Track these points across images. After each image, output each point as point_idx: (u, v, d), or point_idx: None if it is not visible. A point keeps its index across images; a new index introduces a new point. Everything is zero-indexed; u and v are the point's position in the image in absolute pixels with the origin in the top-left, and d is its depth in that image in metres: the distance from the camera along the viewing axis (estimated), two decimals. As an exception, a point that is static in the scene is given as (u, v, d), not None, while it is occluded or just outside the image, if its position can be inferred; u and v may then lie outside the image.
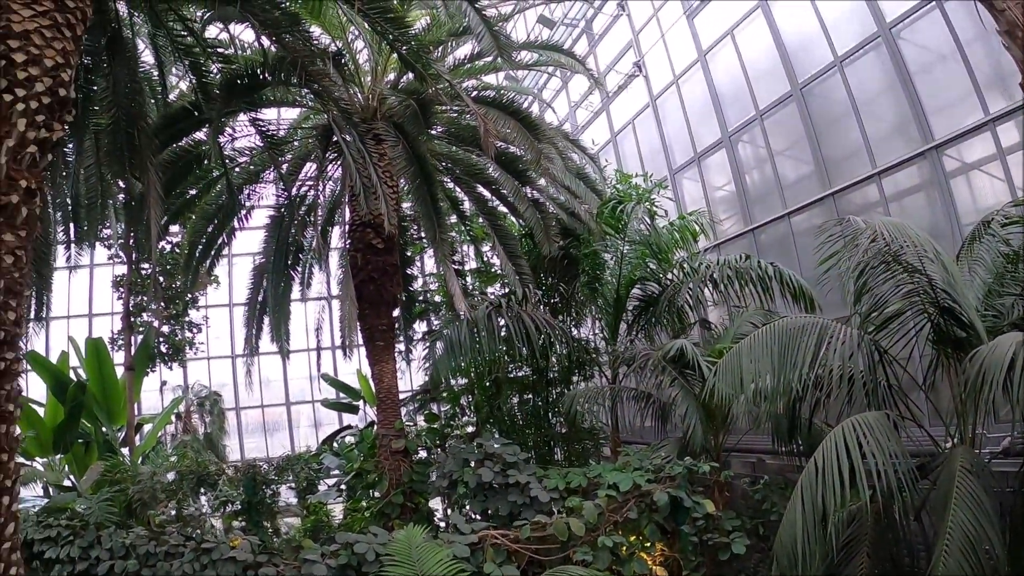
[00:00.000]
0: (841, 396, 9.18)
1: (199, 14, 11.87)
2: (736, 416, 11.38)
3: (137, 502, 12.32)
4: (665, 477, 10.49)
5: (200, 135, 13.88)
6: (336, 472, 16.67)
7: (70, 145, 11.92)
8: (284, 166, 15.45)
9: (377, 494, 13.83)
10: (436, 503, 13.89)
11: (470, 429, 15.95)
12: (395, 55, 13.25)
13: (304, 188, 16.60)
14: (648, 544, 10.28)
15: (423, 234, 18.26)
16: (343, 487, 15.56)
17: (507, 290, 16.47)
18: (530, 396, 16.42)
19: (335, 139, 13.09)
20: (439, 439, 14.81)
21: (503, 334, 13.76)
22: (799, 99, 15.24)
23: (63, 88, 7.24)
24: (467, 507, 11.62)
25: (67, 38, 7.24)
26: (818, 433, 10.06)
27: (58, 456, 16.10)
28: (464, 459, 11.84)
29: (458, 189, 17.08)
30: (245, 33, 12.88)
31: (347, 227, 15.18)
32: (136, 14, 11.46)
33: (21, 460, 7.29)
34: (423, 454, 14.53)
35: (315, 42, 11.58)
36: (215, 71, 11.97)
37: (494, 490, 11.28)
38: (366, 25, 12.10)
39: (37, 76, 6.95)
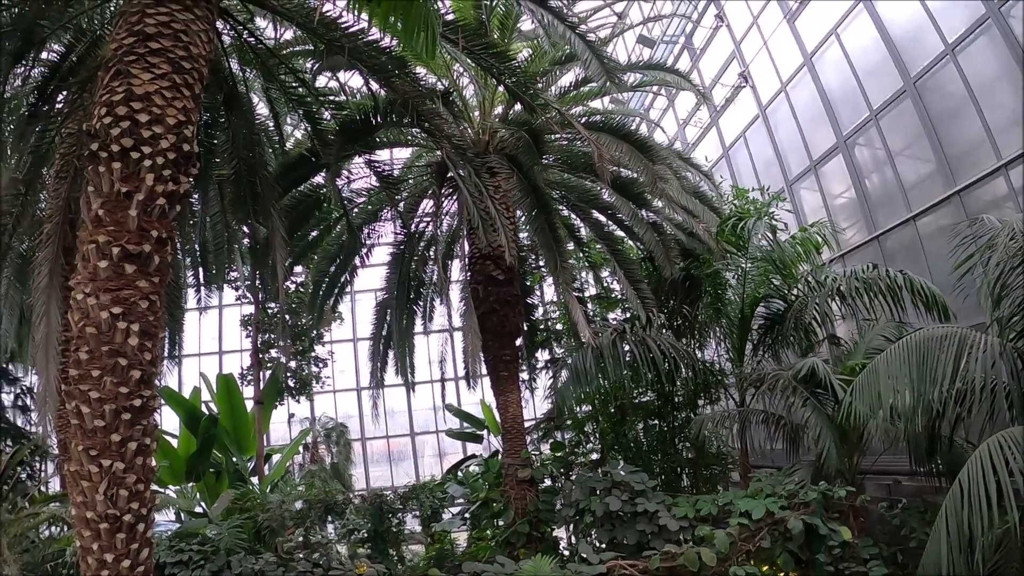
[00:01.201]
0: (982, 410, 8.60)
1: (308, 65, 12.33)
2: (871, 436, 10.83)
3: (266, 529, 12.74)
4: (799, 503, 10.07)
5: (318, 179, 14.40)
6: (460, 501, 16.78)
7: (196, 195, 12.53)
8: (401, 204, 15.80)
9: (502, 523, 13.81)
10: (561, 532, 13.76)
11: (595, 456, 15.78)
12: (501, 88, 13.47)
13: (422, 224, 16.93)
14: (782, 574, 9.87)
15: (541, 263, 18.35)
16: (467, 516, 15.62)
17: (628, 315, 16.32)
18: (656, 421, 16.13)
19: (450, 175, 13.31)
20: (564, 467, 14.71)
21: (627, 359, 13.56)
22: (913, 94, 14.46)
23: (186, 143, 7.66)
24: (594, 536, 11.46)
25: (186, 97, 7.66)
26: (959, 452, 9.51)
27: (190, 484, 16.90)
28: (591, 487, 11.68)
29: (573, 216, 17.05)
30: (353, 80, 13.27)
31: (466, 260, 15.40)
32: (248, 70, 12.05)
33: (155, 488, 7.65)
34: (548, 482, 14.45)
35: (422, 83, 11.81)
36: (328, 117, 12.42)
37: (621, 519, 11.10)
38: (470, 61, 12.28)
39: (161, 134, 7.38)
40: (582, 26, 11.65)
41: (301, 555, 11.99)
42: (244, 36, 11.02)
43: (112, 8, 10.63)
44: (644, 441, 16.25)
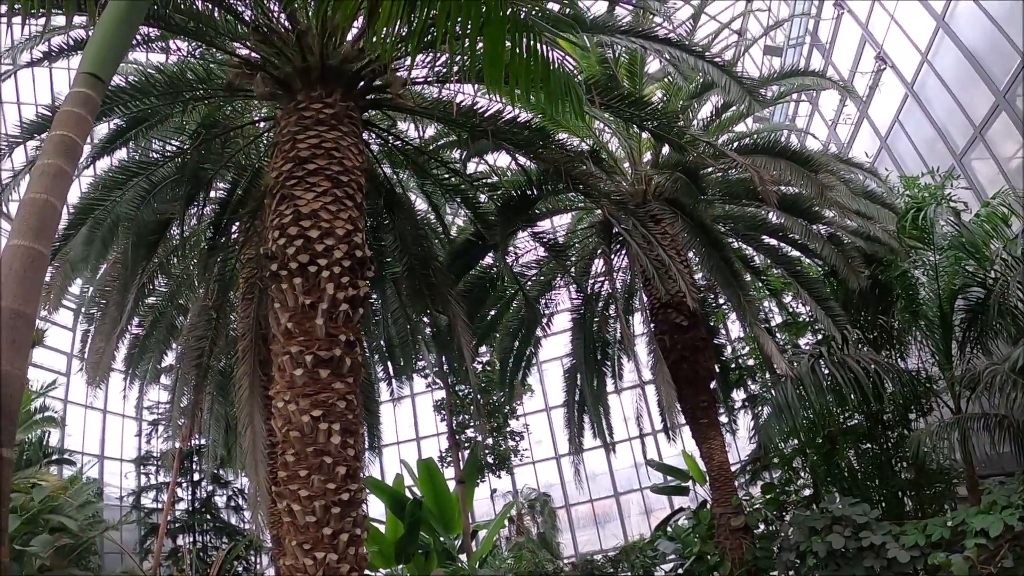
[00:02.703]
0: None
1: (456, 154, 12.87)
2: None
3: (479, 603, 12.87)
4: (1040, 511, 9.11)
5: (487, 260, 14.93)
6: (672, 557, 16.36)
7: (375, 295, 13.21)
8: (572, 269, 16.05)
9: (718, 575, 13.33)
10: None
11: (807, 492, 15.03)
12: (645, 134, 13.51)
13: (596, 285, 17.03)
14: (1030, 596, 8.91)
15: (721, 301, 17.99)
16: (680, 572, 15.17)
17: (820, 337, 15.63)
18: (868, 445, 15.21)
19: (615, 231, 13.39)
20: (777, 509, 14.08)
21: (827, 384, 12.93)
22: (1060, 22, 13.17)
23: (358, 250, 8.22)
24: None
25: (350, 207, 8.26)
26: None
27: (400, 566, 17.51)
28: (810, 527, 11.07)
29: (744, 246, 16.63)
30: (501, 159, 13.69)
31: (647, 312, 15.38)
32: (400, 171, 12.79)
33: (367, 573, 7.96)
34: (762, 528, 13.87)
35: (567, 147, 12.08)
36: (484, 200, 12.92)
37: (846, 556, 10.41)
38: (608, 116, 12.41)
39: (333, 245, 7.96)
40: (708, 53, 11.55)
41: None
42: (390, 141, 11.76)
43: (265, 141, 11.69)
44: (858, 468, 15.33)
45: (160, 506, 24.84)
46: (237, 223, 12.03)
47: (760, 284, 17.32)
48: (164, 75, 9.88)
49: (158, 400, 25.65)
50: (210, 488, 25.89)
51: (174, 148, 11.06)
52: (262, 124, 11.63)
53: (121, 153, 11.26)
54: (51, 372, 25.69)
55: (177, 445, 21.19)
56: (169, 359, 17.40)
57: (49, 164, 4.31)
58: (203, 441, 20.44)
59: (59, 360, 27.42)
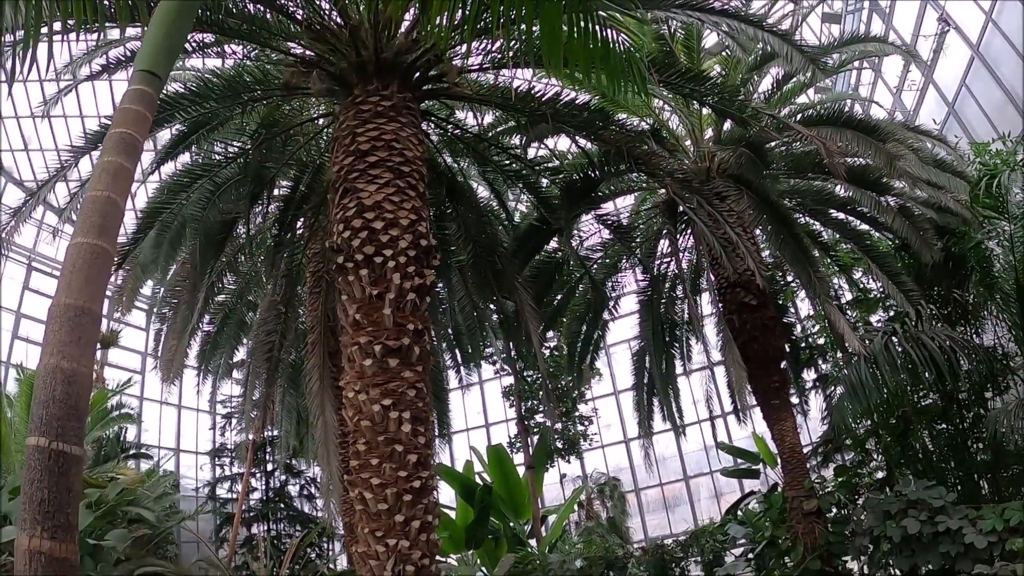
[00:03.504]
0: None
1: (516, 140, 12.82)
2: None
3: (548, 589, 12.88)
4: (1124, 492, 8.71)
5: (552, 245, 14.80)
6: (742, 541, 16.11)
7: (441, 284, 13.28)
8: (637, 250, 15.87)
9: (791, 561, 13.03)
10: (854, 564, 12.80)
11: (880, 475, 14.68)
12: (705, 110, 13.25)
13: (662, 266, 16.83)
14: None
15: (789, 278, 17.66)
16: (751, 557, 14.90)
17: (891, 313, 15.24)
18: (943, 425, 14.75)
19: (680, 209, 13.17)
20: (849, 492, 13.77)
21: (901, 362, 12.55)
22: None
23: (423, 239, 8.27)
24: (892, 565, 10.51)
25: (412, 197, 8.30)
26: None
27: (470, 552, 17.67)
28: (884, 511, 10.74)
29: (812, 221, 16.24)
30: (561, 142, 13.57)
31: (715, 291, 15.13)
32: (461, 160, 12.82)
33: (438, 559, 8.02)
34: (834, 511, 13.57)
35: (628, 127, 11.92)
36: (546, 184, 12.85)
37: (921, 542, 10.08)
38: (667, 93, 12.22)
39: (398, 236, 8.01)
40: (766, 22, 11.26)
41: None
42: (449, 130, 11.80)
43: (325, 137, 11.83)
44: (933, 450, 14.89)
45: (235, 496, 25.67)
46: (302, 219, 12.21)
47: (829, 260, 16.88)
48: (222, 79, 10.06)
49: (231, 394, 26.52)
50: (283, 478, 26.67)
51: (236, 149, 11.30)
52: (321, 120, 11.74)
53: (185, 157, 11.51)
54: (127, 371, 26.58)
55: (250, 437, 21.74)
56: (240, 354, 17.85)
57: (109, 161, 4.35)
58: (275, 432, 20.89)
59: (134, 359, 28.46)
